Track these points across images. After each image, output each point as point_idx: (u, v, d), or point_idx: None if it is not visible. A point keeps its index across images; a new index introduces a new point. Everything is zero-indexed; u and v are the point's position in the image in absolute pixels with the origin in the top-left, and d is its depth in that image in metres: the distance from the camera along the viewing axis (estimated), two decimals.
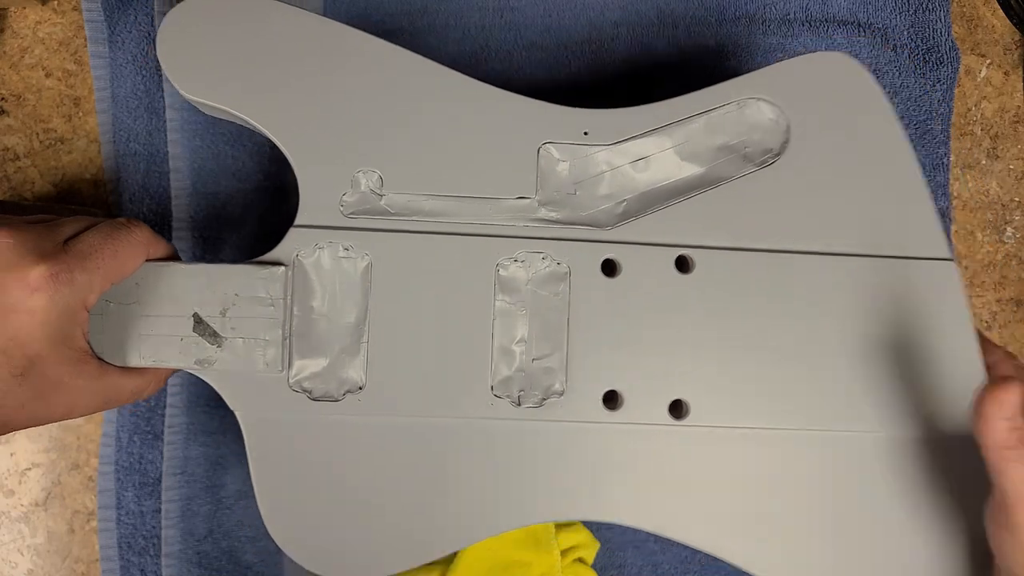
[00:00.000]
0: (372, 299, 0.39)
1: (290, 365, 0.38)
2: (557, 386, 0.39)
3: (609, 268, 0.40)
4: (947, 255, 0.41)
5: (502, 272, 0.39)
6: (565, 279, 0.40)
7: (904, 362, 0.40)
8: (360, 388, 0.38)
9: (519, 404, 0.39)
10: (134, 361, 0.38)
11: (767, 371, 0.40)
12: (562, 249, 0.39)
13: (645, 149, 0.41)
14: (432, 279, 0.39)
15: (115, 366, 0.37)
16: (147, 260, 0.37)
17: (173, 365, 0.38)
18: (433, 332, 0.39)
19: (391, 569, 0.38)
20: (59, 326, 0.33)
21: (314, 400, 0.38)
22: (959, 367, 0.40)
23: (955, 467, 0.40)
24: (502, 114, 0.40)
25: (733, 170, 0.41)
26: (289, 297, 0.38)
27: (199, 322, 0.38)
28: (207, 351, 0.38)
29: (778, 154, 0.41)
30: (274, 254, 0.38)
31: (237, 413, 0.38)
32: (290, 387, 0.38)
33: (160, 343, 0.38)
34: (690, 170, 0.41)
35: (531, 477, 0.39)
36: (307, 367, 0.38)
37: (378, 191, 0.39)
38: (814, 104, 0.41)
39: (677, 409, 0.40)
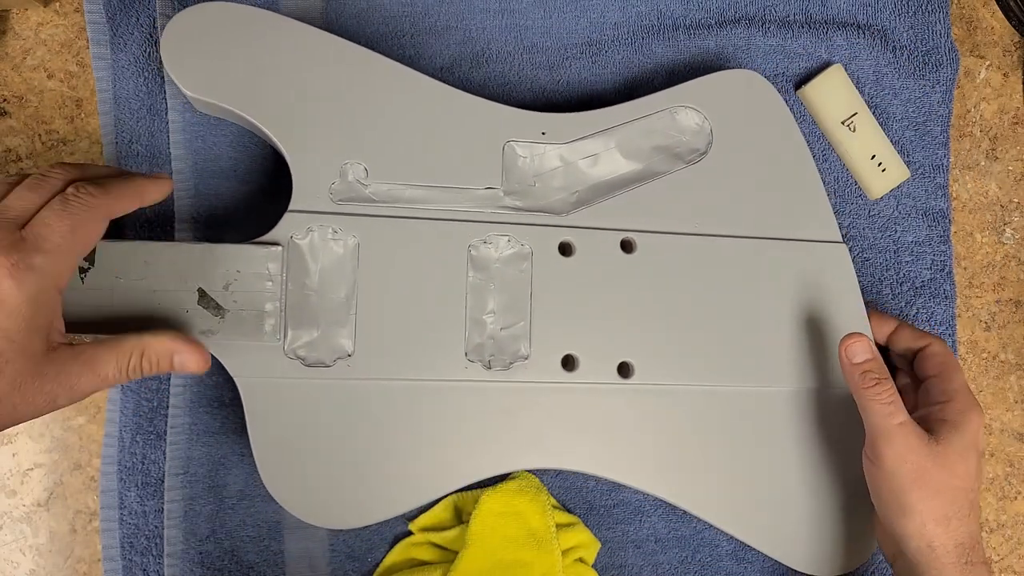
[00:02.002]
0: (359, 276, 0.43)
1: (286, 335, 0.42)
2: (522, 351, 0.45)
3: (565, 249, 0.46)
4: (839, 239, 0.49)
5: (473, 252, 0.45)
6: (528, 258, 0.45)
7: (805, 328, 0.48)
8: (349, 355, 0.43)
9: (490, 367, 0.44)
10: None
11: (698, 336, 0.47)
12: (524, 232, 0.45)
13: (594, 147, 0.47)
14: (413, 258, 0.44)
15: (86, 347, 0.36)
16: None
17: None
18: (414, 305, 0.44)
19: (381, 516, 0.43)
20: (30, 315, 0.34)
21: (307, 366, 0.42)
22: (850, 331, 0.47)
23: (849, 418, 0.47)
24: (472, 115, 0.45)
25: (667, 166, 0.47)
26: (285, 274, 0.42)
27: (203, 296, 0.41)
28: (210, 322, 0.41)
29: (703, 153, 0.48)
30: (271, 236, 0.43)
31: (237, 379, 0.42)
32: (285, 355, 0.42)
33: (167, 316, 0.41)
34: (631, 166, 0.47)
35: (502, 431, 0.44)
36: (301, 336, 0.43)
37: (363, 181, 0.44)
38: (731, 112, 0.48)
39: (624, 370, 0.46)
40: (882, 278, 0.52)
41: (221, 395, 0.46)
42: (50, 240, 0.34)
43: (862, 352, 0.44)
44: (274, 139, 0.43)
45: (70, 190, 0.36)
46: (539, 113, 0.46)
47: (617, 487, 0.49)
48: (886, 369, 0.44)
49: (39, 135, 0.47)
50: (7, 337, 0.33)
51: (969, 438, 0.42)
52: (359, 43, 0.44)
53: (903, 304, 0.52)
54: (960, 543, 0.41)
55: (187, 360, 0.38)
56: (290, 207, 0.43)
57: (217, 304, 0.41)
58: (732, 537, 0.48)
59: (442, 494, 0.44)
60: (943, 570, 0.41)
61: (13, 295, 0.33)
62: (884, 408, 0.42)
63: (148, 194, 0.39)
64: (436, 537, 0.46)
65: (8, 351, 0.33)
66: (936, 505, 0.41)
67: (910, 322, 0.52)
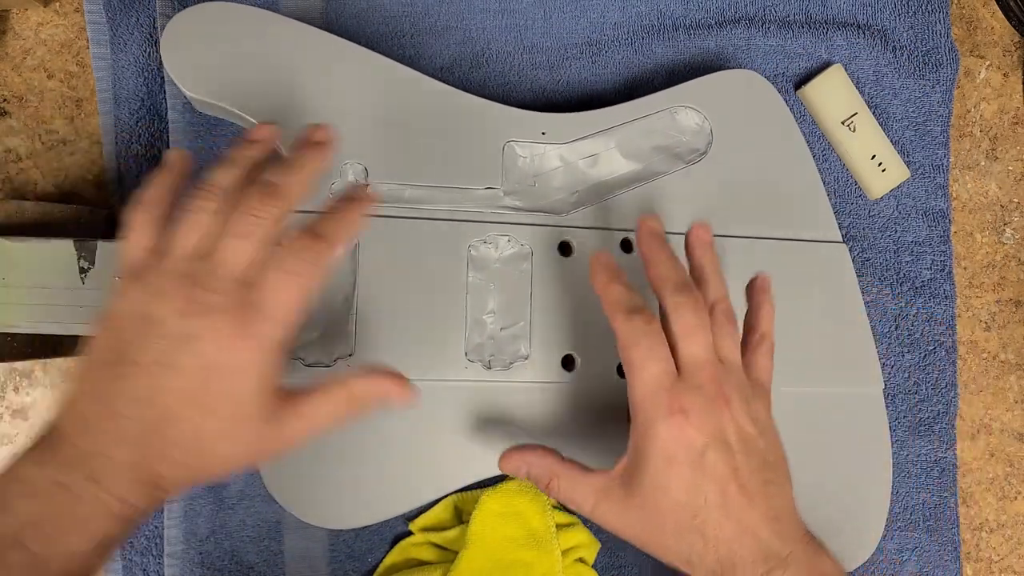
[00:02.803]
0: (359, 276, 0.43)
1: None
2: (522, 351, 0.45)
3: (565, 249, 0.46)
4: (839, 239, 0.49)
5: (473, 252, 0.45)
6: (528, 258, 0.45)
7: (805, 328, 0.47)
8: (349, 355, 0.43)
9: (489, 367, 0.44)
10: None
11: None
12: (524, 232, 0.45)
13: (593, 148, 0.47)
14: (413, 258, 0.44)
15: (297, 399, 0.35)
16: None
17: None
18: (414, 305, 0.44)
19: (381, 516, 0.43)
20: (260, 381, 0.33)
21: (307, 366, 0.42)
22: (849, 331, 0.48)
23: (847, 419, 0.47)
24: (472, 115, 0.45)
25: (667, 166, 0.47)
26: None
27: None
28: None
29: (703, 153, 0.47)
30: None
31: None
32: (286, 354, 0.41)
33: None
34: (631, 166, 0.47)
35: (501, 430, 0.44)
36: (302, 336, 0.42)
37: (363, 181, 0.44)
38: (731, 112, 0.48)
39: (622, 370, 0.45)
40: (882, 278, 0.52)
41: None
42: (281, 307, 0.33)
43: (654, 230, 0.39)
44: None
45: (292, 244, 0.33)
46: (539, 113, 0.46)
47: None
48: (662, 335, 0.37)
49: (39, 135, 0.47)
50: (239, 403, 0.32)
51: (659, 460, 0.36)
52: (359, 43, 0.44)
53: (903, 304, 0.52)
54: (714, 565, 0.35)
55: (392, 393, 0.36)
56: None
57: None
58: None
59: (442, 494, 0.44)
60: None
61: (247, 363, 0.32)
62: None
63: (357, 225, 0.36)
64: (436, 537, 0.46)
65: (240, 416, 0.33)
66: (671, 556, 0.36)
67: (910, 322, 0.52)
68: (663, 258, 0.39)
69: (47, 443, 0.32)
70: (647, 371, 0.36)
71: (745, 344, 0.40)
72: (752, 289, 0.42)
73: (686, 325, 0.37)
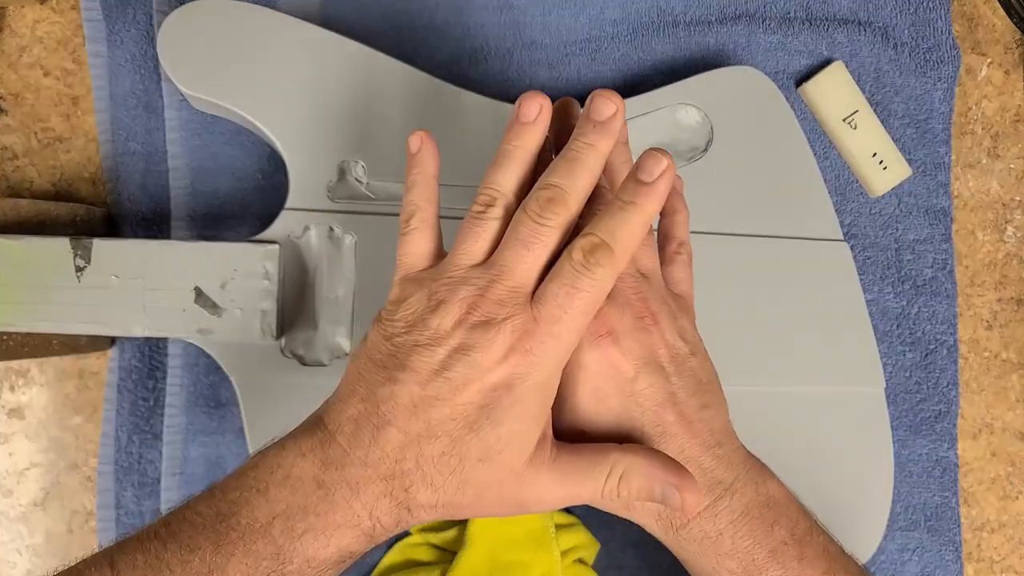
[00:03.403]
0: (357, 274, 0.43)
1: (283, 334, 0.42)
2: None
3: None
4: (840, 237, 0.48)
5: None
6: None
7: (806, 327, 0.47)
8: (347, 354, 0.43)
9: None
10: (137, 331, 0.40)
11: None
12: None
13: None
14: None
15: (563, 456, 0.32)
16: None
17: (176, 335, 0.41)
18: None
19: None
20: (535, 408, 0.31)
21: (305, 365, 0.42)
22: (850, 330, 0.48)
23: (848, 419, 0.47)
24: (471, 112, 0.45)
25: None
26: (282, 272, 0.42)
27: (200, 294, 0.41)
28: (207, 321, 0.41)
29: (704, 151, 0.47)
30: (268, 234, 0.43)
31: (233, 379, 0.42)
32: (283, 354, 0.42)
33: (163, 315, 0.40)
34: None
35: None
36: (298, 335, 0.43)
37: (361, 178, 0.43)
38: (732, 110, 0.47)
39: None
40: (883, 276, 0.51)
41: (218, 395, 0.45)
42: (562, 323, 0.30)
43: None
44: (271, 136, 0.43)
45: (577, 257, 0.31)
46: None
47: None
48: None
49: (35, 133, 0.47)
50: (508, 425, 0.30)
51: (586, 396, 0.33)
52: (356, 40, 0.44)
53: (904, 303, 0.52)
54: (657, 515, 0.33)
55: (673, 496, 0.31)
56: (287, 205, 0.43)
57: (214, 303, 0.41)
58: None
59: None
60: (670, 545, 0.34)
61: (522, 381, 0.30)
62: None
63: (649, 222, 0.32)
64: (434, 538, 0.45)
65: (506, 442, 0.30)
66: (609, 508, 0.34)
67: (911, 321, 0.52)
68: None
69: (313, 434, 0.30)
70: None
71: (662, 256, 0.37)
72: (667, 196, 0.36)
73: None
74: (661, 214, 0.39)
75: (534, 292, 0.31)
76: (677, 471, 0.31)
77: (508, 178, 0.32)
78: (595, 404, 0.33)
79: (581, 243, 0.31)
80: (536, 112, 0.32)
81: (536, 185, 0.32)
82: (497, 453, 0.30)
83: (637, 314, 0.33)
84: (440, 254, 0.33)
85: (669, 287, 0.36)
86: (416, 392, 0.30)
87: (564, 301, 0.30)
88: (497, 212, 0.32)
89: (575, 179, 0.32)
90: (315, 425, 0.31)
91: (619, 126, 0.32)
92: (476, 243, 0.32)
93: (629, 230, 0.31)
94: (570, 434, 0.33)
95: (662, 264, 0.37)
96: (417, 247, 0.33)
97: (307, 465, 0.30)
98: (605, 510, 0.34)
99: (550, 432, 0.32)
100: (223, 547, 0.28)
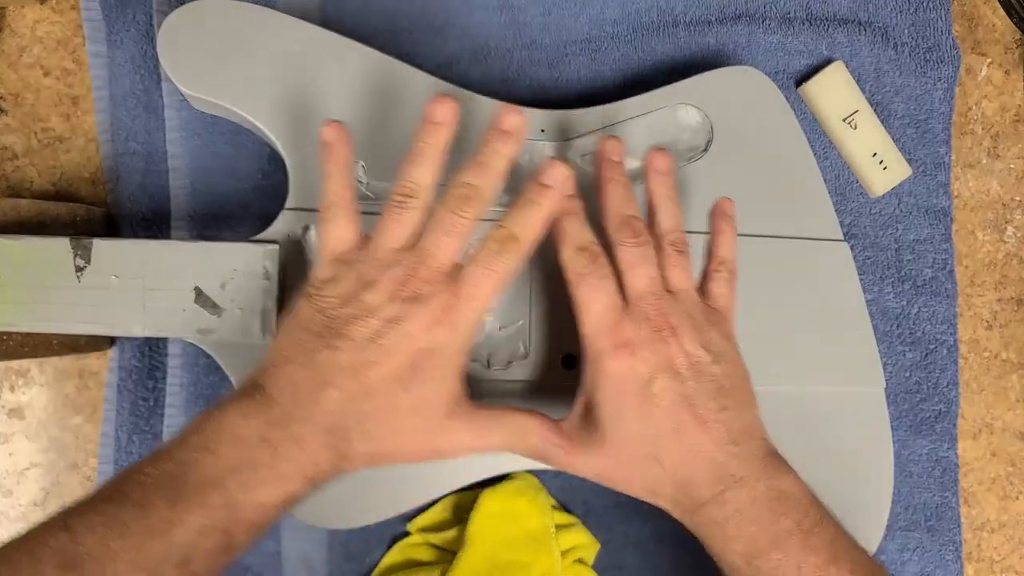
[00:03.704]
0: None
1: None
2: (521, 350, 0.45)
3: None
4: (840, 237, 0.48)
5: (471, 250, 0.42)
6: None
7: (806, 327, 0.47)
8: None
9: (489, 366, 0.44)
10: (137, 331, 0.40)
11: None
12: None
13: (592, 145, 0.46)
14: None
15: (477, 411, 0.37)
16: None
17: (175, 335, 0.41)
18: None
19: (379, 517, 0.43)
20: (456, 363, 0.36)
21: None
22: (851, 330, 0.48)
23: (849, 419, 0.47)
24: (469, 112, 0.43)
25: None
26: (282, 272, 0.42)
27: (200, 294, 0.41)
28: (207, 321, 0.41)
29: (704, 151, 0.47)
30: (268, 234, 0.42)
31: (233, 378, 0.41)
32: None
33: (163, 315, 0.40)
34: (631, 163, 0.46)
35: None
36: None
37: (361, 178, 0.43)
38: (732, 110, 0.47)
39: None
40: (883, 276, 0.51)
41: (218, 395, 0.45)
42: (477, 299, 0.36)
43: (574, 235, 0.39)
44: (271, 136, 0.43)
45: (493, 246, 0.36)
46: (538, 110, 0.45)
47: None
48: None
49: (35, 133, 0.47)
50: (434, 382, 0.35)
51: (610, 395, 0.37)
52: (357, 40, 0.44)
53: (904, 303, 0.52)
54: (674, 500, 0.37)
55: (558, 455, 0.37)
56: (287, 205, 0.43)
57: (214, 303, 0.41)
58: None
59: (441, 494, 0.44)
60: (688, 527, 0.38)
61: (448, 346, 0.35)
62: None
63: (548, 220, 0.38)
64: (434, 538, 0.45)
65: (432, 397, 0.35)
66: (637, 489, 0.38)
67: (911, 321, 0.52)
68: (611, 188, 0.40)
69: (251, 398, 0.34)
70: (592, 308, 0.38)
71: (704, 272, 0.41)
72: (713, 215, 0.43)
73: (627, 259, 0.38)
74: (710, 232, 0.43)
75: (454, 273, 0.36)
76: (561, 436, 0.37)
77: (424, 173, 0.37)
78: (618, 405, 0.37)
79: (496, 234, 0.36)
80: (445, 114, 0.37)
81: (453, 183, 0.37)
82: (425, 406, 0.35)
83: (655, 327, 0.37)
84: (360, 237, 0.37)
85: (707, 301, 0.40)
86: (355, 357, 0.34)
87: (481, 280, 0.36)
88: (417, 203, 0.36)
89: (485, 179, 0.37)
90: (253, 390, 0.34)
91: (523, 135, 0.37)
92: (400, 229, 0.36)
93: (532, 224, 0.37)
94: (603, 429, 0.37)
95: (704, 280, 0.41)
96: (340, 232, 0.37)
97: (252, 425, 0.33)
98: (632, 496, 0.38)
99: (465, 391, 0.37)
100: (179, 502, 0.31)
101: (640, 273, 0.38)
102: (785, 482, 0.37)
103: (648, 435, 0.37)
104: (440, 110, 0.37)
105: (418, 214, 0.36)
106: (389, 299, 0.35)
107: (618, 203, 0.40)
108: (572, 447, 0.38)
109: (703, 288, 0.41)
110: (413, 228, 0.36)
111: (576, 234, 0.39)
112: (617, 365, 0.37)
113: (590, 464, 0.38)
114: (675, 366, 0.37)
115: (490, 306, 0.37)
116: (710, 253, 0.42)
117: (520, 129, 0.37)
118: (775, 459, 0.38)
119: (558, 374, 0.45)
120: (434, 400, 0.35)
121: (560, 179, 0.37)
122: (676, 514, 0.38)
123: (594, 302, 0.38)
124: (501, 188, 0.37)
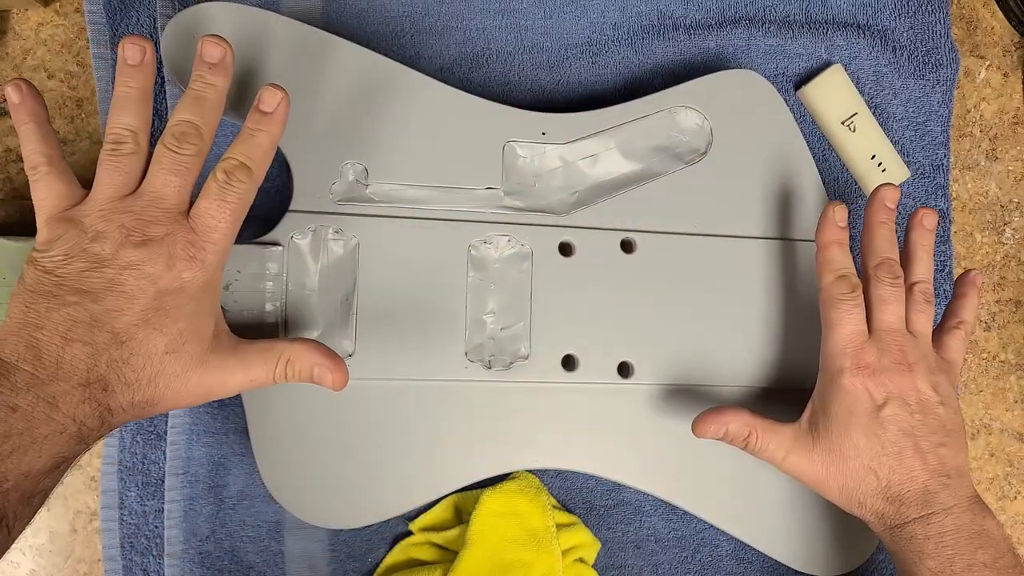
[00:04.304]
0: (360, 276, 0.43)
1: (286, 335, 0.42)
2: (522, 351, 0.45)
3: (565, 249, 0.46)
4: None
5: (473, 252, 0.45)
6: (528, 258, 0.45)
7: (805, 329, 0.47)
8: (350, 355, 0.43)
9: (490, 367, 0.44)
10: None
11: (698, 337, 0.47)
12: (524, 232, 0.45)
13: (594, 148, 0.47)
14: (413, 258, 0.44)
15: (241, 345, 0.37)
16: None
17: None
18: (414, 305, 0.44)
19: (381, 516, 0.43)
20: (205, 302, 0.36)
21: None
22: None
23: None
24: (472, 115, 0.45)
25: (667, 166, 0.47)
26: (285, 274, 0.42)
27: None
28: None
29: (703, 153, 0.47)
30: (271, 236, 0.43)
31: None
32: None
33: None
34: (631, 166, 0.47)
35: (502, 431, 0.44)
36: (303, 336, 0.42)
37: (364, 181, 0.44)
38: (731, 112, 0.48)
39: (624, 370, 0.46)
40: None
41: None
42: (217, 231, 0.36)
43: (838, 261, 0.43)
44: None
45: (221, 177, 0.36)
46: (539, 113, 0.46)
47: (617, 487, 0.49)
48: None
49: None
50: (187, 319, 0.35)
51: (842, 409, 0.41)
52: (359, 43, 0.44)
53: None
54: (879, 513, 0.40)
55: (325, 375, 0.38)
56: (290, 207, 0.43)
57: None
58: (732, 537, 0.48)
59: (442, 494, 0.44)
60: (883, 538, 0.41)
61: (193, 283, 0.35)
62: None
63: (274, 144, 0.38)
64: (436, 537, 0.46)
65: (189, 334, 0.35)
66: (845, 498, 0.41)
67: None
68: (880, 231, 0.43)
69: None
70: (841, 329, 0.41)
71: (941, 325, 0.45)
72: (961, 281, 0.46)
73: (882, 294, 0.42)
74: (953, 295, 0.46)
75: (186, 210, 0.36)
76: (331, 358, 0.38)
77: (132, 117, 0.36)
78: (848, 419, 0.41)
79: (223, 165, 0.36)
80: (141, 55, 0.36)
81: (170, 122, 0.36)
82: (181, 345, 0.35)
83: (896, 360, 0.41)
84: (76, 192, 0.36)
85: (940, 352, 0.44)
86: (94, 308, 0.34)
87: (216, 212, 0.36)
88: (130, 148, 0.36)
89: (202, 114, 0.36)
90: None
91: (230, 65, 0.37)
92: (119, 176, 0.36)
93: (259, 150, 0.37)
94: (829, 439, 0.41)
95: (942, 332, 0.45)
96: (53, 190, 0.36)
97: None
98: (832, 502, 0.42)
99: (225, 326, 0.38)
100: None
101: (891, 310, 0.42)
102: (988, 523, 0.39)
103: (872, 451, 0.40)
104: (133, 51, 0.36)
105: (135, 159, 0.36)
106: (120, 246, 0.34)
107: (884, 245, 0.43)
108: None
109: (937, 339, 0.44)
110: (132, 174, 0.36)
111: (839, 262, 0.43)
112: (855, 383, 0.41)
113: (809, 465, 0.41)
114: (906, 398, 0.41)
115: (232, 235, 0.37)
116: (950, 311, 0.45)
117: (227, 58, 0.37)
118: (981, 502, 0.40)
119: (558, 375, 0.45)
120: (191, 338, 0.35)
121: (276, 103, 0.37)
122: (876, 526, 0.41)
123: (846, 324, 0.41)
124: (217, 124, 0.37)
